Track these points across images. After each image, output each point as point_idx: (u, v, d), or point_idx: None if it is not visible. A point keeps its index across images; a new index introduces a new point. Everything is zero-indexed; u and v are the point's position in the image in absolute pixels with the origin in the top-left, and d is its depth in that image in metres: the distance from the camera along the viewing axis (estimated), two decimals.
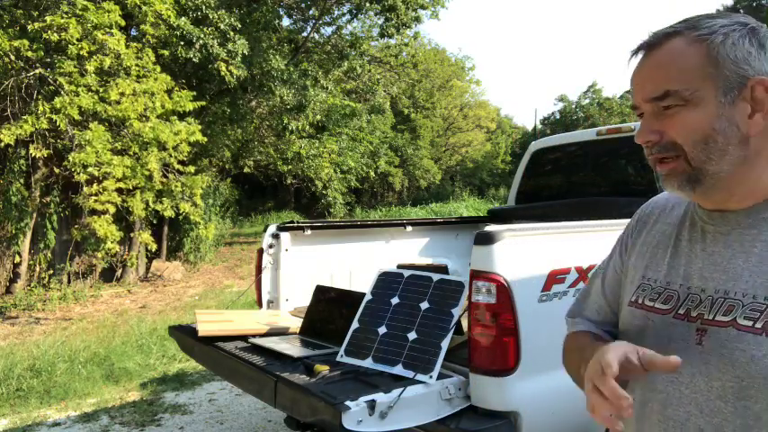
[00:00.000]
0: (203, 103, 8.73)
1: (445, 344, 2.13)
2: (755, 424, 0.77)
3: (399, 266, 3.24)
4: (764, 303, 0.78)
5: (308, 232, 3.47)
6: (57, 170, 7.65)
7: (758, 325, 0.78)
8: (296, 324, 2.89)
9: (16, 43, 6.28)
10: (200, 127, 7.90)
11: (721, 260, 0.86)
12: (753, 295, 0.80)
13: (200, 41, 8.49)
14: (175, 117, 7.56)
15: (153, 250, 8.96)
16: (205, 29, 8.67)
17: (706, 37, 0.82)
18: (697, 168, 0.83)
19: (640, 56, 0.89)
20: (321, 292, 2.88)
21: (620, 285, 1.04)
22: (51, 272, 8.59)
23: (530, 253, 2.15)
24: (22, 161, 7.79)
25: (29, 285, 8.32)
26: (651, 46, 0.87)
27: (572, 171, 4.48)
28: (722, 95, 0.81)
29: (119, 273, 9.74)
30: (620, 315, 1.02)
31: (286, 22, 12.96)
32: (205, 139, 8.00)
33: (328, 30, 13.39)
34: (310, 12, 12.88)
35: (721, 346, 0.81)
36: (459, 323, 2.27)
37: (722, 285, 0.84)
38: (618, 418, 0.76)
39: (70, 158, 6.42)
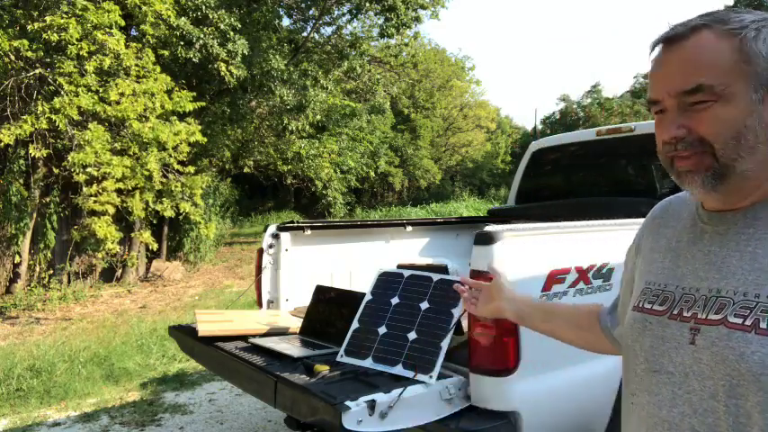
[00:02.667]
0: (203, 103, 8.72)
1: (445, 344, 2.13)
2: (748, 422, 0.77)
3: (399, 266, 3.24)
4: (754, 301, 0.78)
5: (308, 232, 3.47)
6: (56, 170, 7.64)
7: (747, 322, 0.77)
8: (296, 324, 2.89)
9: (16, 43, 6.28)
10: (199, 127, 7.89)
11: (716, 259, 0.85)
12: (743, 293, 0.79)
13: (200, 41, 8.49)
14: (175, 117, 7.55)
15: (153, 250, 8.97)
16: (205, 29, 8.66)
17: (738, 31, 0.80)
18: (724, 165, 0.80)
19: (660, 48, 0.85)
20: (321, 292, 2.88)
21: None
22: (51, 272, 8.59)
23: (530, 253, 2.15)
24: (21, 161, 7.78)
25: (29, 285, 8.32)
26: (676, 39, 0.83)
27: (572, 171, 4.48)
28: (753, 92, 0.79)
29: (119, 273, 9.74)
30: (625, 318, 1.01)
31: (286, 22, 12.96)
32: (205, 140, 8.00)
33: (328, 30, 13.39)
34: (310, 12, 12.87)
35: (712, 345, 0.80)
36: (459, 323, 2.27)
37: (715, 284, 0.83)
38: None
39: (70, 158, 6.42)
